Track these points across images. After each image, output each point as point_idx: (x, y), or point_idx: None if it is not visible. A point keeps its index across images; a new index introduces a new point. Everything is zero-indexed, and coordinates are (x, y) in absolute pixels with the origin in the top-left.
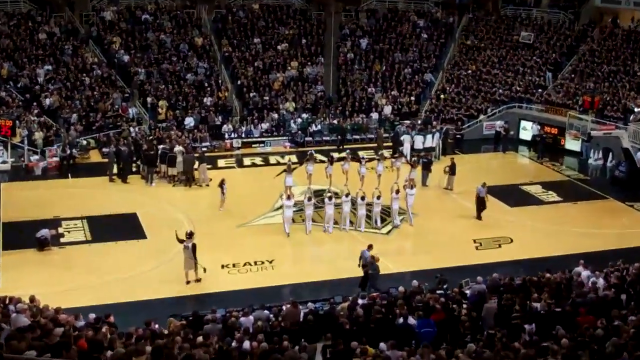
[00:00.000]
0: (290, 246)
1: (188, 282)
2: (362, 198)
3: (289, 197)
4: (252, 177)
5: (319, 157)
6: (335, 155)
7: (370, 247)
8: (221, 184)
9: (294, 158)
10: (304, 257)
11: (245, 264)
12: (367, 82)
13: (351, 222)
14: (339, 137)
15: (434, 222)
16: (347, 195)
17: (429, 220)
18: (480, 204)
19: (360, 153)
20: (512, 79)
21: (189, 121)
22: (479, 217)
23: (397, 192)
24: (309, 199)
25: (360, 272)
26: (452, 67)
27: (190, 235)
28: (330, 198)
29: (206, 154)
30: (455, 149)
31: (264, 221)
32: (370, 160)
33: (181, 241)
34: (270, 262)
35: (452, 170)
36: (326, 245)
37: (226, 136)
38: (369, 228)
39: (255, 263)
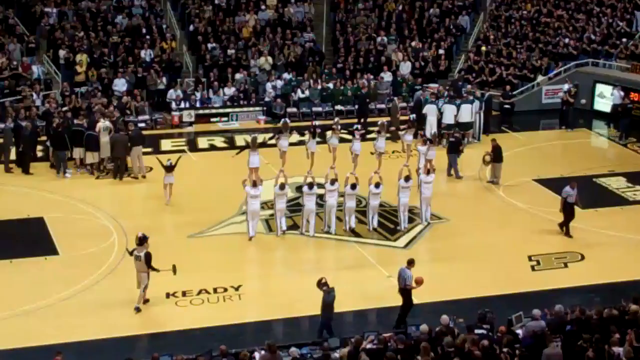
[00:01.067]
0: (265, 263)
1: (147, 301)
2: (353, 186)
3: (254, 184)
4: (210, 165)
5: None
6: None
7: (410, 263)
8: (169, 166)
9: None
10: (284, 280)
11: (200, 292)
12: (376, 28)
13: (339, 219)
14: (359, 105)
15: (471, 231)
16: (332, 183)
17: (463, 228)
18: (569, 214)
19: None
20: (585, 23)
21: (120, 84)
22: (567, 233)
23: (407, 179)
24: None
25: (379, 302)
26: (497, 7)
27: (142, 240)
28: (310, 186)
29: (144, 133)
30: (502, 125)
31: (228, 229)
32: (368, 133)
33: (130, 252)
34: (237, 288)
35: (495, 156)
36: (315, 259)
37: (173, 106)
38: (372, 238)
39: (215, 290)
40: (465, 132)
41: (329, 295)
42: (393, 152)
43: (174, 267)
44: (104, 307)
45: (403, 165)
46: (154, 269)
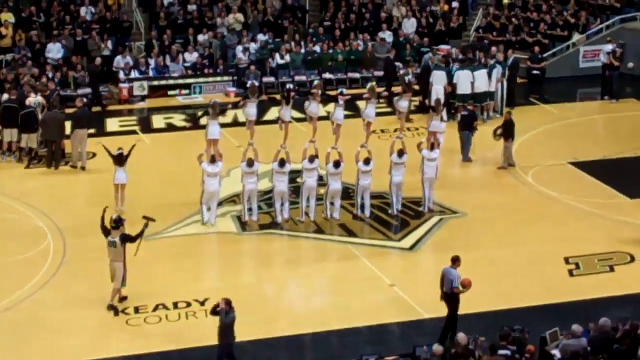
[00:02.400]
0: (237, 271)
1: (124, 299)
2: (337, 164)
3: (213, 160)
4: (167, 150)
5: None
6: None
7: (455, 262)
8: (120, 155)
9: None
10: (260, 292)
11: (157, 308)
12: None
13: (319, 199)
14: (385, 70)
15: (493, 228)
16: (311, 160)
17: (482, 224)
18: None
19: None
20: None
21: (54, 50)
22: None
23: (401, 153)
24: (281, 164)
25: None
26: None
27: (117, 223)
28: (282, 163)
29: (86, 109)
30: (530, 95)
31: (190, 229)
32: (356, 98)
33: (106, 231)
34: (202, 303)
35: (505, 132)
36: (298, 265)
37: (121, 76)
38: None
39: (176, 305)
40: (482, 105)
41: (227, 316)
42: (395, 130)
43: (147, 220)
44: (37, 328)
45: (396, 137)
46: (136, 238)
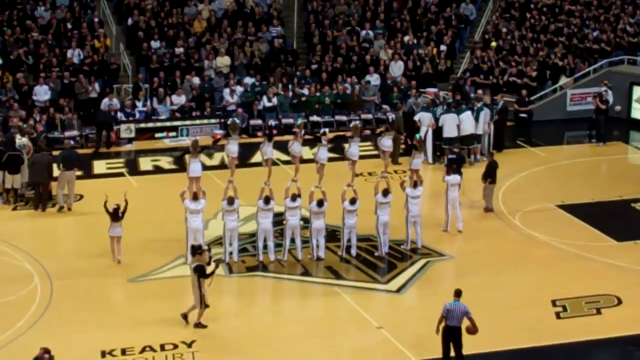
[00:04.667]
0: (225, 314)
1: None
2: (320, 203)
3: (195, 197)
4: (154, 192)
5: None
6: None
7: (458, 294)
8: (116, 211)
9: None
10: (246, 335)
11: (144, 350)
12: (360, 19)
13: (305, 241)
14: (405, 121)
15: (480, 271)
16: (293, 199)
17: (470, 267)
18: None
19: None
20: (619, 11)
21: (42, 92)
22: None
23: (386, 193)
24: (266, 201)
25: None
26: None
27: (194, 250)
28: (266, 201)
29: (73, 151)
30: (517, 138)
31: (177, 271)
32: (338, 137)
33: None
34: (189, 344)
35: (487, 174)
36: (284, 307)
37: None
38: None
39: (163, 348)
40: (469, 148)
41: None
42: (395, 172)
43: (215, 262)
44: None
45: (380, 176)
46: (208, 276)
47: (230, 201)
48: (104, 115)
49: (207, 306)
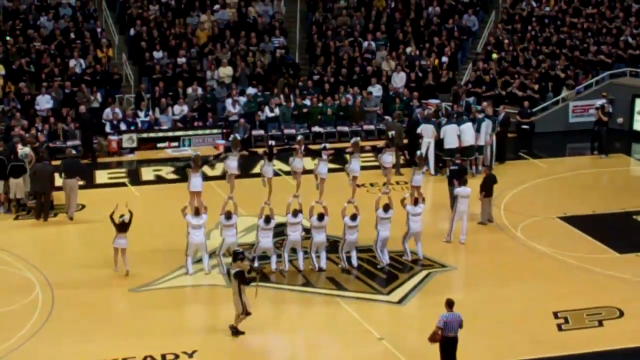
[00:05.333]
0: (225, 324)
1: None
2: (321, 217)
3: (197, 212)
4: (156, 201)
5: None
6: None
7: (450, 304)
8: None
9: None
10: (248, 344)
11: (145, 359)
12: (363, 30)
13: (305, 252)
14: (409, 135)
15: (482, 282)
16: (295, 215)
17: (471, 279)
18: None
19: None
20: (621, 23)
21: (44, 101)
22: None
23: (387, 208)
24: (267, 220)
25: None
26: (513, 4)
27: (235, 256)
28: (267, 220)
29: (76, 159)
30: (519, 150)
31: (178, 281)
32: (338, 152)
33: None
34: (190, 354)
35: (484, 187)
36: (285, 318)
37: (109, 129)
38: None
39: (164, 358)
40: (470, 159)
41: None
42: (397, 183)
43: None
44: None
45: (382, 192)
46: (248, 283)
47: (228, 216)
48: (87, 118)
49: (248, 313)
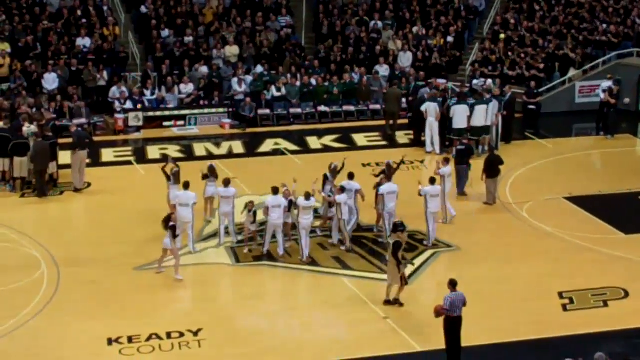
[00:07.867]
0: (231, 302)
1: (389, 302)
2: (307, 197)
3: (227, 183)
4: (161, 180)
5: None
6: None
7: (454, 284)
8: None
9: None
10: (254, 323)
11: (150, 338)
12: (369, 9)
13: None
14: (413, 115)
15: (487, 262)
16: (307, 198)
17: (476, 258)
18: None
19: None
20: (628, 3)
21: (50, 80)
22: None
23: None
24: (307, 197)
25: None
26: None
27: (397, 227)
28: (307, 197)
29: (82, 131)
30: (526, 130)
31: (183, 260)
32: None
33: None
34: (195, 333)
35: (489, 168)
36: (291, 296)
37: (117, 107)
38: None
39: (169, 336)
40: (478, 139)
41: None
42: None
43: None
44: (30, 358)
45: (377, 174)
46: (397, 260)
47: (307, 196)
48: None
49: (406, 283)
